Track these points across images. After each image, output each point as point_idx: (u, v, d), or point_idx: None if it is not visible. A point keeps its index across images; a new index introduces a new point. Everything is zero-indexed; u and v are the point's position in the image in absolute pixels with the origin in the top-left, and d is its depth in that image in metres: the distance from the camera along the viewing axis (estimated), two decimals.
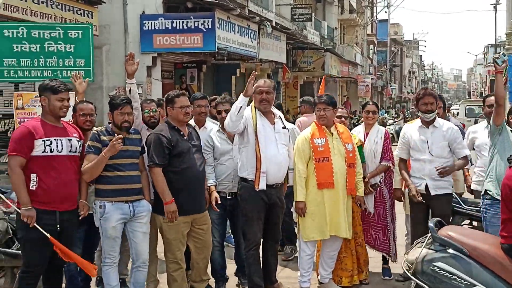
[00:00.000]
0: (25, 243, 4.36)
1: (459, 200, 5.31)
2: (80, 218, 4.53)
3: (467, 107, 21.78)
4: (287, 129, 5.25)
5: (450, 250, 3.96)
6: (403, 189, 5.54)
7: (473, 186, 5.68)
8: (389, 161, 5.58)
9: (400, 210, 5.87)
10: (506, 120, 4.95)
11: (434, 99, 5.17)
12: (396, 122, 25.55)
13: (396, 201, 5.69)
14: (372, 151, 5.61)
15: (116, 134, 4.57)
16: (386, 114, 32.51)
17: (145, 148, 4.82)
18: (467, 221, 5.43)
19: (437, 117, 5.27)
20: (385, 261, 5.86)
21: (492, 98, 5.68)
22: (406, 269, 4.10)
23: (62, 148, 4.35)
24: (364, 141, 5.66)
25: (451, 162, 5.15)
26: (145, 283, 4.89)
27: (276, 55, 18.87)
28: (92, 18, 11.50)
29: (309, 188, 5.12)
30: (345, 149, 5.21)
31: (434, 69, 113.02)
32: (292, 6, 21.42)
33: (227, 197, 5.16)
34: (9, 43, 7.03)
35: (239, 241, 5.36)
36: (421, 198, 5.07)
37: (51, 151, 4.29)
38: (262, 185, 4.92)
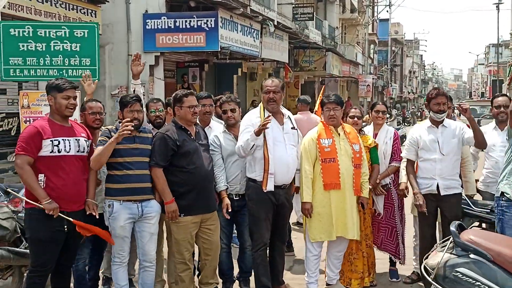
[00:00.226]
0: (33, 242, 4.35)
1: (469, 202, 5.28)
2: (88, 215, 4.49)
3: (469, 107, 21.73)
4: (296, 129, 5.22)
5: (473, 256, 3.87)
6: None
7: (481, 187, 5.66)
8: (399, 162, 5.56)
9: (408, 211, 5.85)
10: None
11: (446, 99, 5.17)
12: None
13: (404, 202, 5.68)
14: (382, 152, 5.60)
15: (127, 134, 4.57)
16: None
17: None
18: (477, 223, 5.40)
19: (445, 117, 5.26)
20: (392, 263, 5.84)
21: (501, 99, 5.70)
22: (427, 274, 4.03)
23: (70, 148, 4.34)
24: None
25: (459, 160, 5.15)
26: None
27: (278, 54, 18.86)
28: (95, 17, 11.49)
29: (315, 189, 5.09)
30: (352, 150, 5.17)
31: (435, 69, 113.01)
32: (293, 5, 21.40)
33: (234, 198, 5.12)
34: (15, 42, 7.01)
35: (244, 244, 5.30)
36: (425, 210, 5.09)
37: (59, 151, 4.28)
38: (270, 186, 4.90)
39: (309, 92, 26.74)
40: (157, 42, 13.27)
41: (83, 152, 4.47)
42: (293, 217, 6.34)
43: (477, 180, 5.74)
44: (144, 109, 5.11)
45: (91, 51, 7.29)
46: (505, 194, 4.47)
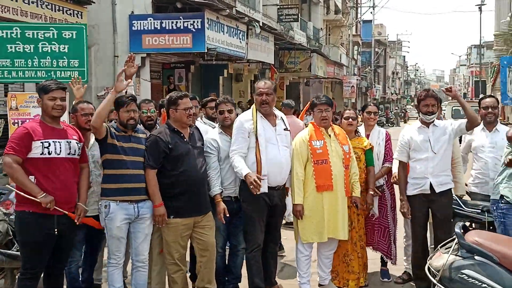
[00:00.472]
0: (23, 245, 4.32)
1: (459, 202, 5.35)
2: (77, 222, 4.46)
3: (453, 108, 21.91)
4: (289, 130, 5.23)
5: (479, 257, 3.91)
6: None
7: (470, 188, 5.74)
8: (391, 163, 5.61)
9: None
10: None
11: (435, 101, 5.22)
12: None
13: (397, 203, 5.73)
14: (376, 153, 5.63)
15: (123, 134, 4.60)
16: None
17: None
18: (467, 223, 5.46)
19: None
20: (383, 263, 5.89)
21: (488, 100, 5.77)
22: (431, 276, 4.06)
23: (60, 151, 4.29)
24: None
25: (450, 156, 5.23)
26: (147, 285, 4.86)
27: (264, 55, 18.89)
28: (81, 18, 11.41)
29: (308, 190, 5.11)
30: (343, 151, 5.23)
31: (417, 70, 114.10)
32: (278, 7, 21.47)
33: (233, 201, 5.09)
34: (3, 44, 6.97)
35: (237, 247, 5.25)
36: (410, 216, 5.22)
37: (49, 153, 4.24)
38: (263, 188, 4.90)
39: (294, 93, 26.86)
40: (143, 43, 13.22)
41: (74, 154, 4.43)
42: None
43: (466, 185, 5.82)
44: None
45: (79, 53, 7.27)
46: (505, 197, 4.55)
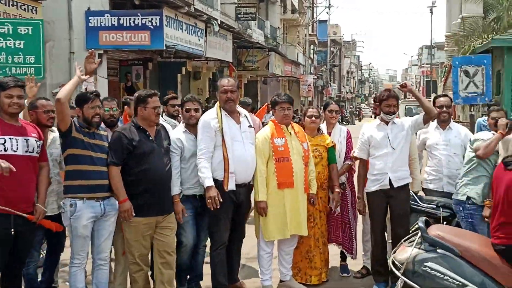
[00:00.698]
0: None
1: (415, 198, 5.52)
2: (35, 224, 4.37)
3: (406, 107, 22.41)
4: (253, 127, 5.28)
5: (441, 250, 4.05)
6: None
7: (425, 185, 5.93)
8: (353, 160, 5.71)
9: None
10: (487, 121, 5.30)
11: (396, 101, 5.36)
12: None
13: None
14: (338, 151, 5.73)
15: (87, 130, 4.53)
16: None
17: None
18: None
19: None
20: (343, 258, 6.02)
21: (442, 99, 5.99)
22: (395, 269, 4.17)
23: (17, 148, 4.20)
24: None
25: (407, 152, 5.39)
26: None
27: (222, 53, 18.88)
28: (36, 13, 11.10)
29: (269, 188, 5.17)
30: (303, 148, 5.33)
31: (371, 69, 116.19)
32: (236, 5, 21.49)
33: (198, 199, 5.09)
34: None
35: (198, 245, 5.23)
36: (365, 213, 5.43)
37: (5, 150, 4.14)
38: (231, 186, 4.95)
39: (252, 92, 26.94)
40: (100, 40, 12.97)
41: (33, 152, 4.34)
42: None
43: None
44: None
45: (35, 49, 7.12)
46: (472, 198, 4.80)
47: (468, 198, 4.89)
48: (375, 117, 5.88)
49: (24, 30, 7.05)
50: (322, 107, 6.23)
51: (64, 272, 5.38)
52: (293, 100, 5.52)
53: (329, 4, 45.19)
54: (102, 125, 5.02)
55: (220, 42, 18.53)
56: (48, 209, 4.60)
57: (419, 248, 4.13)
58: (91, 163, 4.51)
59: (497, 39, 12.11)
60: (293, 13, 34.25)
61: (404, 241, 4.38)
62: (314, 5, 44.43)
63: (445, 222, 5.29)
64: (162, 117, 5.86)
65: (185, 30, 14.96)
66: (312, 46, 44.32)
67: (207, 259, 5.35)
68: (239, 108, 5.28)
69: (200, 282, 5.36)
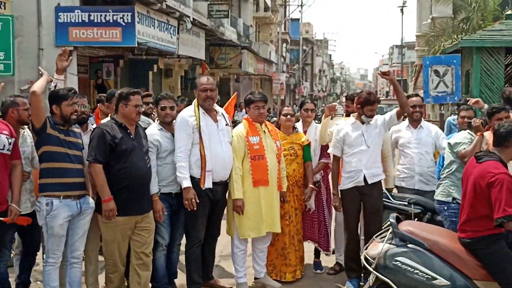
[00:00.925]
0: None
1: (388, 195, 5.61)
2: (6, 223, 4.30)
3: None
4: (230, 126, 5.29)
5: (411, 245, 4.15)
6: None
7: (397, 183, 6.02)
8: (328, 158, 5.75)
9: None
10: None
11: (378, 105, 5.43)
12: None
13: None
14: (312, 149, 5.77)
15: (61, 127, 4.44)
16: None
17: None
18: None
19: None
20: (317, 255, 6.07)
21: (414, 99, 6.10)
22: (368, 264, 4.25)
23: None
24: None
25: (380, 149, 5.46)
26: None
27: (195, 51, 18.79)
28: (4, 9, 10.86)
29: (244, 186, 5.19)
30: (276, 146, 5.37)
31: (343, 68, 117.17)
32: (209, 2, 21.41)
33: (174, 197, 5.06)
34: None
35: (172, 244, 5.19)
36: (341, 209, 5.42)
37: None
38: (208, 184, 4.94)
39: (224, 90, 26.87)
40: (70, 36, 12.72)
41: (3, 149, 4.29)
42: None
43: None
44: None
45: (5, 45, 7.01)
46: (456, 199, 4.93)
47: (454, 198, 5.03)
48: (346, 116, 5.94)
49: None
50: (296, 106, 6.27)
51: (35, 272, 5.28)
52: (267, 98, 5.54)
53: (302, 2, 45.34)
54: None
55: (192, 40, 18.44)
56: (21, 208, 4.52)
57: (390, 244, 4.23)
58: (67, 160, 4.43)
59: (466, 40, 12.32)
60: (265, 11, 34.32)
61: (376, 237, 4.47)
62: (287, 3, 44.56)
63: (416, 219, 5.39)
64: None
65: (157, 27, 14.83)
66: (284, 45, 44.45)
67: (181, 257, 5.34)
68: (216, 107, 5.27)
69: (175, 280, 5.33)
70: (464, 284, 4.03)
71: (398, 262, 4.13)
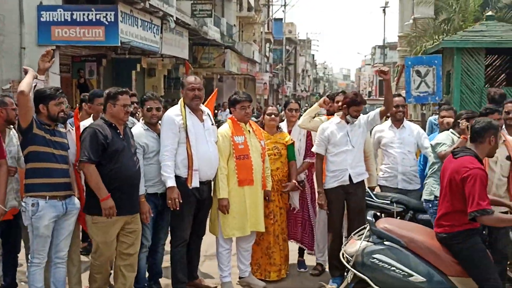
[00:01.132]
0: None
1: (370, 194, 5.67)
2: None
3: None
4: (216, 126, 5.31)
5: (388, 242, 4.21)
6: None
7: (380, 182, 6.09)
8: (312, 158, 5.78)
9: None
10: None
11: (363, 106, 5.49)
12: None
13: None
14: (297, 149, 5.81)
15: (47, 127, 4.42)
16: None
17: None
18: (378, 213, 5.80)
19: None
20: (301, 254, 6.11)
21: (397, 99, 6.17)
22: (346, 261, 4.29)
23: None
24: None
25: (363, 148, 5.53)
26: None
27: (178, 50, 18.76)
28: None
29: (230, 185, 5.22)
30: (260, 146, 5.40)
31: (326, 68, 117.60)
32: (192, 2, 21.36)
33: (158, 197, 5.06)
34: None
35: (157, 244, 5.19)
36: (326, 208, 5.45)
37: None
38: (195, 183, 4.96)
39: (208, 89, 26.73)
40: (53, 35, 12.67)
41: None
42: None
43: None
44: None
45: None
46: (437, 197, 4.87)
47: (436, 197, 5.09)
48: (328, 115, 5.98)
49: None
50: (280, 106, 6.31)
51: (19, 272, 5.25)
52: (252, 98, 5.58)
53: (285, 2, 45.47)
54: None
55: (176, 39, 18.41)
56: (7, 207, 4.50)
57: (368, 241, 4.29)
58: (53, 160, 4.40)
59: (447, 40, 12.44)
60: (249, 10, 34.35)
61: (354, 234, 4.52)
62: (270, 3, 44.66)
63: (398, 217, 5.47)
64: None
65: (141, 26, 14.79)
66: (267, 44, 44.54)
67: (166, 257, 5.35)
68: (202, 107, 5.29)
69: (160, 279, 5.33)
70: (440, 281, 4.09)
71: (375, 260, 4.19)
